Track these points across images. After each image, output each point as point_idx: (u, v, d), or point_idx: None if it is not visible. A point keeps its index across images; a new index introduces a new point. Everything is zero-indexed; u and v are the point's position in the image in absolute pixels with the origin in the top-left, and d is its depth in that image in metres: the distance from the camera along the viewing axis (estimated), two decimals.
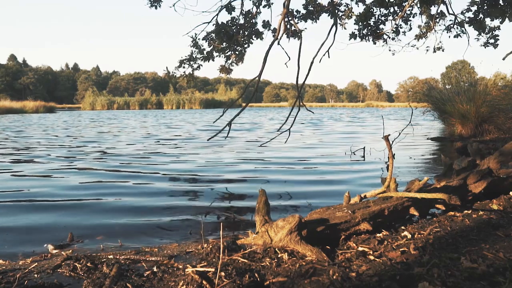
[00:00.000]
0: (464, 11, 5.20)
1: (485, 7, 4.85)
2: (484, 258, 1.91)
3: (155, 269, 1.94)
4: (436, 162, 6.14)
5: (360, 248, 2.13)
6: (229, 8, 4.43)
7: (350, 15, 5.09)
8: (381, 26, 5.40)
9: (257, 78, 3.92)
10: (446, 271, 1.76)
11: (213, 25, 4.46)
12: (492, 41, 5.17)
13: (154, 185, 4.46)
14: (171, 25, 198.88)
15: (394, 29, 5.44)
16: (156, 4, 4.62)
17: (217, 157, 6.82)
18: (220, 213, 3.33)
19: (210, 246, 2.18)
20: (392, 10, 5.33)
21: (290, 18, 4.52)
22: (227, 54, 4.57)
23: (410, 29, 5.56)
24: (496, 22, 4.84)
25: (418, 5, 5.21)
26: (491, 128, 9.11)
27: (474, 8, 5.06)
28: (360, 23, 5.28)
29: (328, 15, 4.88)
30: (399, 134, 2.95)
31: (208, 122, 19.04)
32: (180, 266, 1.96)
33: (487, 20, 5.00)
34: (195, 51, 4.51)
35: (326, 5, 4.87)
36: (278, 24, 4.02)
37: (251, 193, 4.00)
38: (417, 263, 1.87)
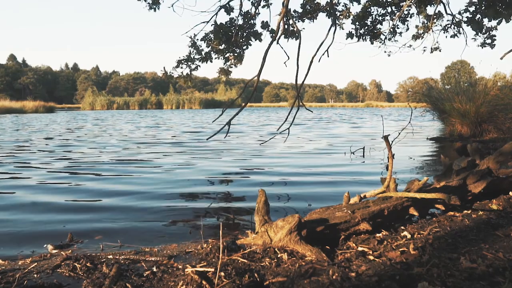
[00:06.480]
0: (462, 11, 5.19)
1: (483, 8, 4.84)
2: (483, 258, 1.91)
3: (154, 269, 1.94)
4: (435, 162, 6.15)
5: (359, 248, 2.13)
6: (228, 8, 4.43)
7: (348, 15, 5.08)
8: (378, 26, 5.40)
9: (256, 78, 3.92)
10: (446, 271, 1.76)
11: (211, 25, 4.45)
12: (489, 41, 5.16)
13: (153, 186, 4.45)
14: (171, 25, 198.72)
15: (391, 30, 5.43)
16: (154, 6, 4.62)
17: (216, 157, 6.82)
18: (219, 214, 3.33)
19: (210, 246, 2.18)
20: (389, 10, 5.32)
21: (288, 18, 4.52)
22: (225, 56, 4.56)
23: (407, 29, 5.55)
24: (494, 22, 4.83)
25: (416, 5, 5.19)
26: (490, 128, 9.12)
27: (472, 8, 5.05)
28: (357, 23, 5.27)
29: (326, 15, 4.88)
30: (399, 134, 2.94)
31: (205, 123, 19.02)
32: (180, 266, 1.96)
33: (485, 21, 4.99)
34: (193, 51, 4.51)
35: (324, 5, 4.86)
36: (277, 23, 4.02)
37: (251, 194, 4.00)
38: (416, 263, 1.87)
